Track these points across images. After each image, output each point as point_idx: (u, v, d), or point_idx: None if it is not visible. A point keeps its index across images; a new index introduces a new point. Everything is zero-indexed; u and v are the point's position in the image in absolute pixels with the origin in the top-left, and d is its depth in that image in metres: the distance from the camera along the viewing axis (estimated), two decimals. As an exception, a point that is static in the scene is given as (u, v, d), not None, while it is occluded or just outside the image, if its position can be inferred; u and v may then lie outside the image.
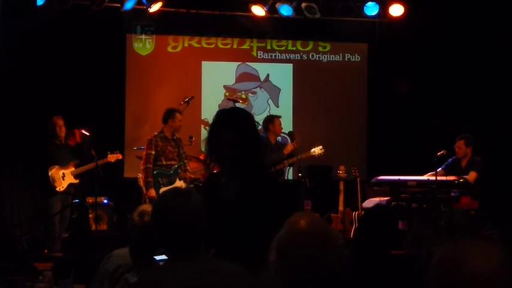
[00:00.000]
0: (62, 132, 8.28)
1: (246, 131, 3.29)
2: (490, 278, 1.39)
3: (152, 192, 7.87)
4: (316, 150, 8.65)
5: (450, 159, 8.59)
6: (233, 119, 3.33)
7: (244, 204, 3.19)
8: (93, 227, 8.58)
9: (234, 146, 3.20)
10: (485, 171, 8.48)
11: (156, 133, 8.15)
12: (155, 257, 3.37)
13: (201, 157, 9.14)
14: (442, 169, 8.49)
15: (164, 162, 8.06)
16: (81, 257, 6.53)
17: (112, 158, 8.46)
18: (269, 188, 3.30)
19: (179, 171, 8.12)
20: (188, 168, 8.27)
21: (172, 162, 8.11)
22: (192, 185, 8.29)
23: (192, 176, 8.32)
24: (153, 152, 8.01)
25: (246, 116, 3.41)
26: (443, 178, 8.16)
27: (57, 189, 8.06)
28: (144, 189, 8.02)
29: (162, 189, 7.91)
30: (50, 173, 8.07)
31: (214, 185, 3.36)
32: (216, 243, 2.96)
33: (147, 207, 3.68)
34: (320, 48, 10.89)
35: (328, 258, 1.88)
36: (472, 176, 8.32)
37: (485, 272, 1.40)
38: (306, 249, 1.88)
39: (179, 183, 8.05)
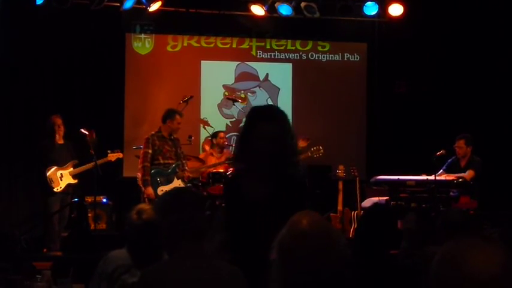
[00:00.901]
0: (61, 131, 8.25)
1: (288, 127, 3.24)
2: (490, 278, 1.39)
3: (149, 190, 7.87)
4: (315, 151, 8.66)
5: (450, 160, 8.58)
6: (279, 114, 3.26)
7: (276, 205, 3.09)
8: (92, 226, 8.57)
9: (276, 141, 3.11)
10: (485, 171, 8.48)
11: (153, 132, 8.15)
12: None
13: (200, 156, 9.16)
14: (444, 170, 8.48)
15: (161, 161, 8.06)
16: (80, 256, 6.52)
17: (112, 157, 8.43)
18: (300, 189, 3.22)
19: (177, 170, 8.11)
20: (186, 167, 8.26)
21: (170, 161, 8.10)
22: (190, 184, 8.29)
23: (190, 175, 8.32)
24: (150, 151, 8.00)
25: (285, 114, 3.35)
26: (442, 178, 8.17)
27: (55, 189, 8.04)
28: (142, 187, 8.02)
29: (160, 188, 7.92)
30: (47, 174, 8.05)
31: (240, 185, 3.26)
32: (242, 243, 2.88)
33: (144, 205, 3.70)
34: (319, 48, 10.89)
35: (331, 258, 1.87)
36: (469, 174, 8.32)
37: (485, 272, 1.40)
38: (308, 249, 1.87)
39: (177, 183, 8.04)
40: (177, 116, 8.13)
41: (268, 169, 3.14)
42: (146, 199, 7.82)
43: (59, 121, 8.25)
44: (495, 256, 1.42)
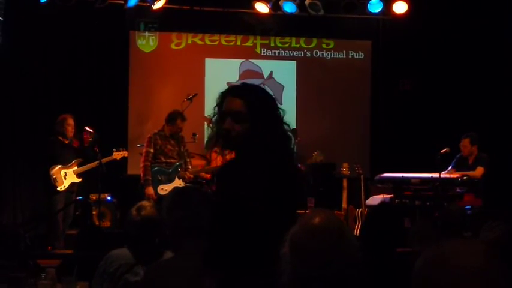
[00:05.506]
0: (71, 132, 8.25)
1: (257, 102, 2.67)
2: (474, 273, 1.43)
3: (150, 190, 7.88)
4: (315, 156, 8.67)
5: (458, 156, 8.57)
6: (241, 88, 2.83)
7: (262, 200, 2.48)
8: (97, 224, 8.57)
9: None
10: (490, 169, 8.46)
11: (156, 131, 8.15)
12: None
13: (206, 155, 9.14)
14: (453, 167, 8.47)
15: (163, 160, 8.06)
16: (86, 254, 6.50)
17: (118, 155, 8.43)
18: (290, 182, 2.61)
19: (179, 169, 8.10)
20: (189, 167, 8.25)
21: (172, 160, 8.10)
22: (190, 184, 8.27)
23: (192, 176, 8.31)
24: (151, 150, 8.01)
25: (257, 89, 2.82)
26: (447, 175, 8.15)
27: (58, 188, 8.05)
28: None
29: (161, 187, 7.92)
30: (51, 172, 8.06)
31: (229, 175, 2.68)
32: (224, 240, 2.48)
33: (145, 202, 3.72)
34: (324, 46, 10.87)
35: (340, 255, 1.88)
36: (479, 171, 8.29)
37: (469, 267, 1.44)
38: (319, 244, 1.89)
39: (178, 182, 8.03)
40: (178, 121, 8.09)
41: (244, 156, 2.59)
42: (150, 198, 7.82)
43: (70, 121, 8.25)
44: (478, 252, 1.47)
